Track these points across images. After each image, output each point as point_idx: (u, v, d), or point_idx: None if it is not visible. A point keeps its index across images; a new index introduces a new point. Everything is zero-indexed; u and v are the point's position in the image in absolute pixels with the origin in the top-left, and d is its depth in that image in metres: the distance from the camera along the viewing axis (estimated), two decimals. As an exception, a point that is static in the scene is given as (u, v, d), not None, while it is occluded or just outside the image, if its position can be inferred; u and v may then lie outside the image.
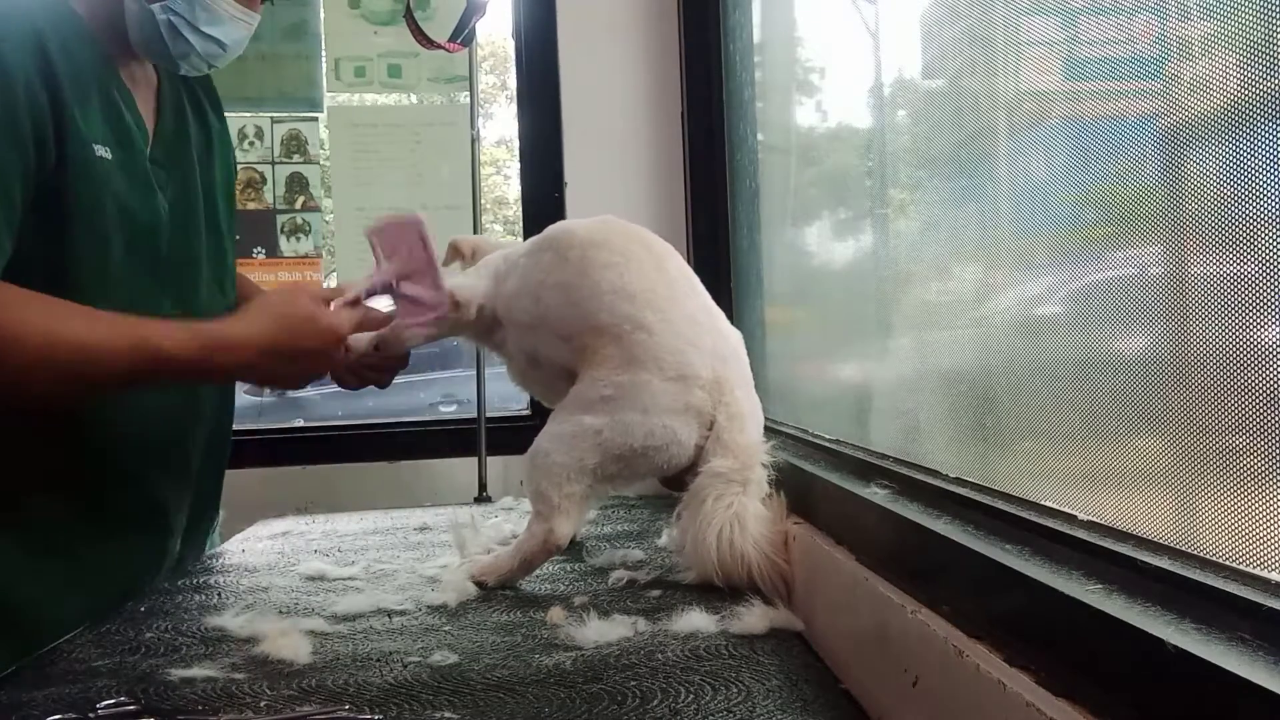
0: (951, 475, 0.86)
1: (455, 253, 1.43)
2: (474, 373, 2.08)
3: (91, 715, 0.79)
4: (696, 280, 1.27)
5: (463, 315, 1.31)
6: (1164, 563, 0.56)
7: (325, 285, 2.35)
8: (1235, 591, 0.50)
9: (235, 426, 1.43)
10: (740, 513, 1.11)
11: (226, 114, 1.44)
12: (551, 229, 1.32)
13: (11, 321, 1.02)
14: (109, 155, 1.15)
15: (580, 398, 1.17)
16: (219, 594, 1.20)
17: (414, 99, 2.34)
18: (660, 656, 0.90)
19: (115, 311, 1.09)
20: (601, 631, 0.96)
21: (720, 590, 1.10)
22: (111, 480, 1.22)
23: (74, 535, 1.18)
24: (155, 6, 1.16)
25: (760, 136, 1.82)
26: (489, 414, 2.08)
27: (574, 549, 1.36)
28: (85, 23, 1.17)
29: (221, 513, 1.48)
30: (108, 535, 1.21)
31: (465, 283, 1.33)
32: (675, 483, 1.22)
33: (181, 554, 1.35)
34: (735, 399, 1.16)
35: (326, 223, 2.47)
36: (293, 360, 1.16)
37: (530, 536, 1.18)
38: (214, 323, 1.14)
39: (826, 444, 1.22)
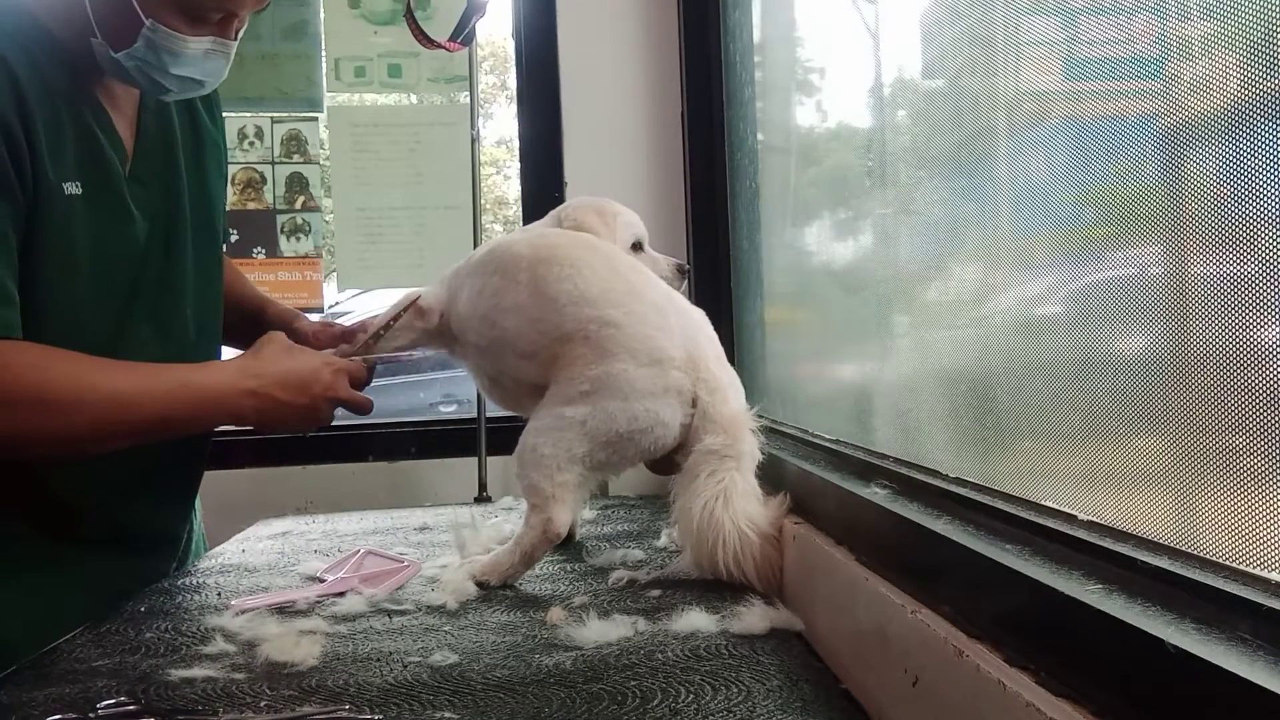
0: (951, 475, 0.86)
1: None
2: (474, 373, 2.08)
3: (91, 715, 0.79)
4: (648, 270, 1.30)
5: (426, 323, 1.33)
6: (1164, 563, 0.56)
7: (324, 287, 2.35)
8: (1235, 591, 0.50)
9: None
10: (729, 487, 1.14)
11: (226, 114, 1.42)
12: (492, 249, 1.33)
13: (43, 380, 1.04)
14: (79, 190, 1.12)
15: (560, 395, 1.19)
16: (219, 594, 1.20)
17: (414, 99, 2.33)
18: (660, 656, 0.90)
19: (96, 344, 1.11)
20: (601, 631, 0.96)
21: (720, 590, 1.10)
22: (72, 498, 1.19)
23: (37, 556, 1.16)
24: (120, 55, 1.11)
25: (760, 136, 1.81)
26: (489, 414, 2.08)
27: (574, 549, 1.37)
28: (57, 40, 1.12)
29: (198, 521, 1.46)
30: (65, 555, 1.18)
31: (429, 289, 1.36)
32: (664, 466, 1.23)
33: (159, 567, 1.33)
34: (711, 373, 1.19)
35: (326, 223, 2.47)
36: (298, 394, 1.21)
37: (529, 529, 1.18)
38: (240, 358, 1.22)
39: (826, 444, 1.22)
